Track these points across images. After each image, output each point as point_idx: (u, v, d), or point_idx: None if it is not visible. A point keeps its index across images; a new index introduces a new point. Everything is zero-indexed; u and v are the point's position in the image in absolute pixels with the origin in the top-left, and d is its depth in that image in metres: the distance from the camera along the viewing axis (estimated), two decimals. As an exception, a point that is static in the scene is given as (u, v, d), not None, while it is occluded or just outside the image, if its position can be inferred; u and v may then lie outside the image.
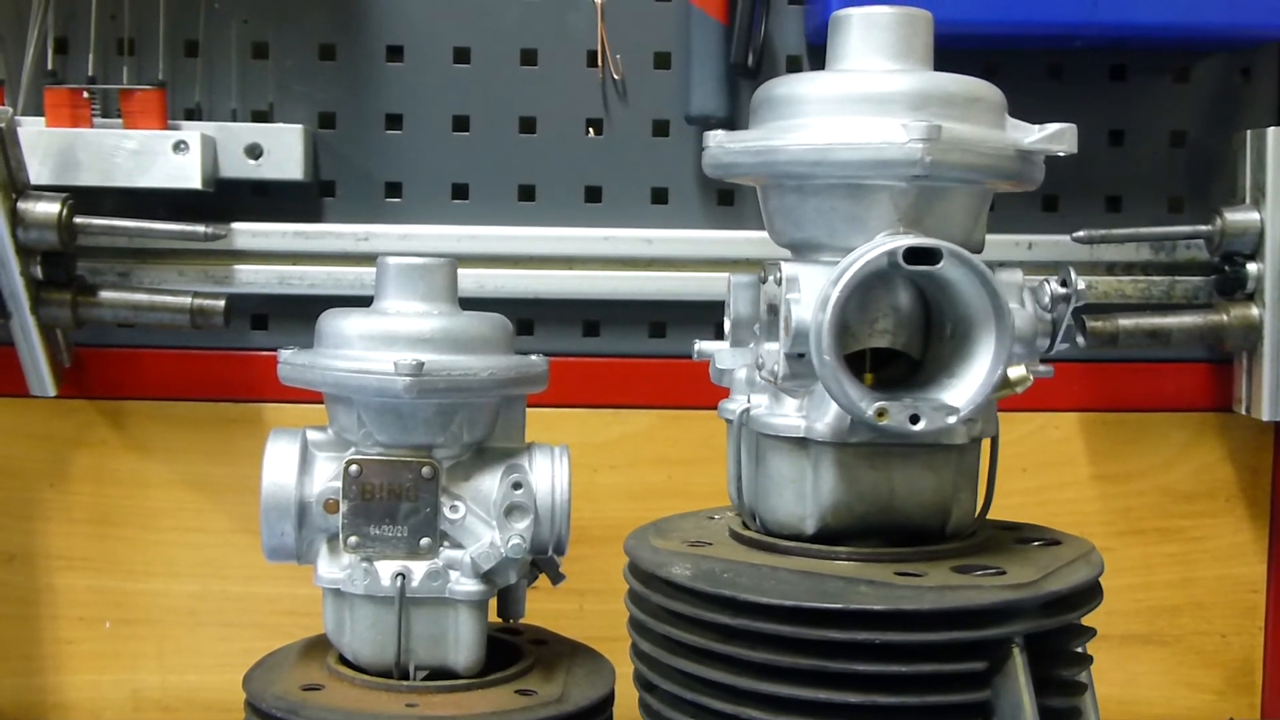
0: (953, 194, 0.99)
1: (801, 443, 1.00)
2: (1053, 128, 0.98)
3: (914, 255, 0.93)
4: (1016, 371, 0.97)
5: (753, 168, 1.02)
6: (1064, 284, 0.98)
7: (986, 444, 1.05)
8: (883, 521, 1.00)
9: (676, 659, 0.98)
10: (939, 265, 0.93)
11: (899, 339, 0.99)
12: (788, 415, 1.01)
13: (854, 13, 1.02)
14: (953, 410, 0.93)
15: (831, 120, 0.98)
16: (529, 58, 1.44)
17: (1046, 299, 0.99)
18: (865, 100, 0.98)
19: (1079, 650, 0.98)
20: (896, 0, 1.03)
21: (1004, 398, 0.99)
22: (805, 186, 1.00)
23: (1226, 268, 1.40)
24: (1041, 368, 1.01)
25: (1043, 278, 1.00)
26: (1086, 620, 0.98)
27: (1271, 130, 1.36)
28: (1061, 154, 0.99)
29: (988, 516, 1.10)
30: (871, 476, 0.99)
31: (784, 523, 1.02)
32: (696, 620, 0.96)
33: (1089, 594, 0.97)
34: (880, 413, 0.93)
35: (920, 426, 0.93)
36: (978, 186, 1.00)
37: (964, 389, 0.94)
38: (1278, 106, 1.47)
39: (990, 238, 1.39)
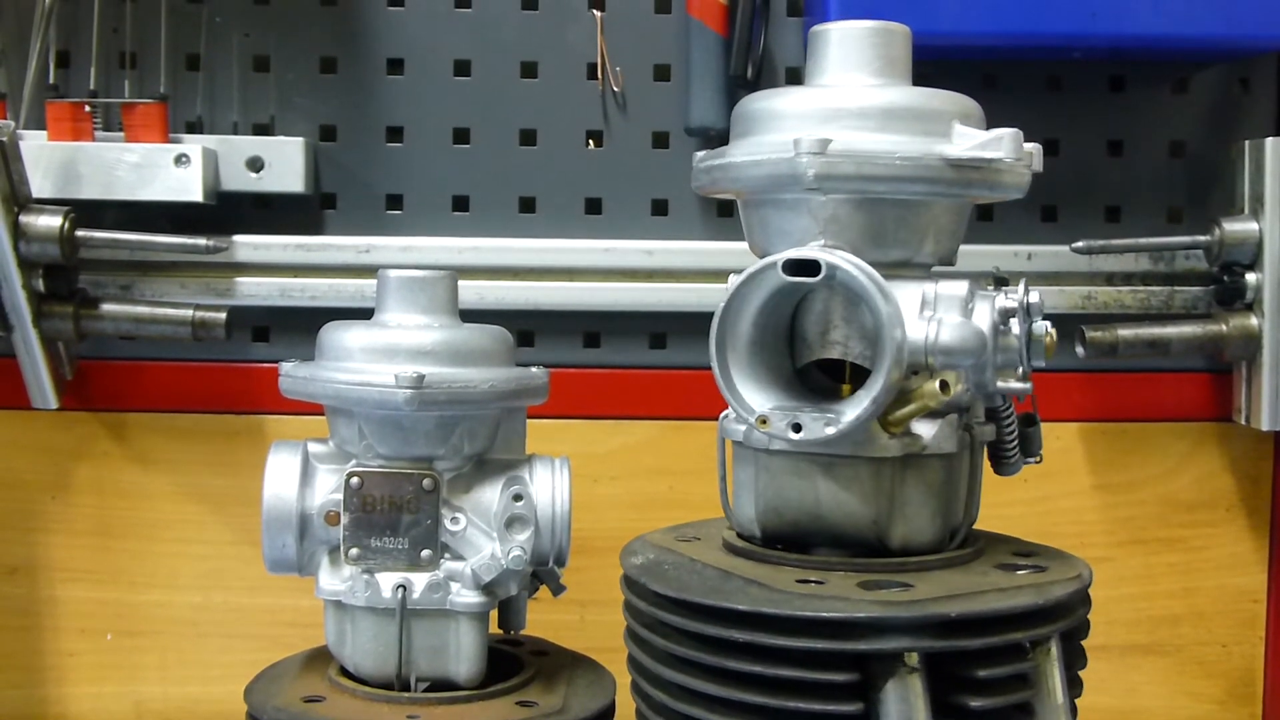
0: (880, 206, 0.99)
1: (749, 449, 1.03)
2: (990, 134, 0.97)
3: (795, 267, 0.95)
4: (929, 385, 0.95)
5: (708, 184, 1.06)
6: (1008, 295, 0.98)
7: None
8: (816, 530, 1.01)
9: (629, 642, 1.04)
10: (818, 277, 0.94)
11: (851, 350, 1.00)
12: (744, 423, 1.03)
13: (830, 28, 1.03)
14: (834, 421, 0.94)
15: (762, 138, 1.01)
16: (529, 70, 1.45)
17: (995, 313, 0.98)
18: (785, 117, 1.00)
19: (989, 677, 0.92)
20: (878, 15, 1.04)
21: (920, 412, 0.96)
22: (749, 201, 1.04)
23: (1225, 278, 1.40)
24: (1011, 384, 0.99)
25: (998, 291, 0.99)
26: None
27: (1270, 140, 1.36)
28: (1008, 161, 0.97)
29: (1022, 536, 1.12)
30: (798, 485, 1.01)
31: (742, 525, 1.06)
32: (632, 606, 1.02)
33: (1007, 622, 0.92)
34: (761, 420, 0.96)
35: (800, 435, 0.95)
36: (925, 198, 0.99)
37: (859, 400, 0.94)
38: (1276, 117, 1.48)
39: (989, 248, 1.41)
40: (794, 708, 0.91)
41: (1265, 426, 1.40)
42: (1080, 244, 1.38)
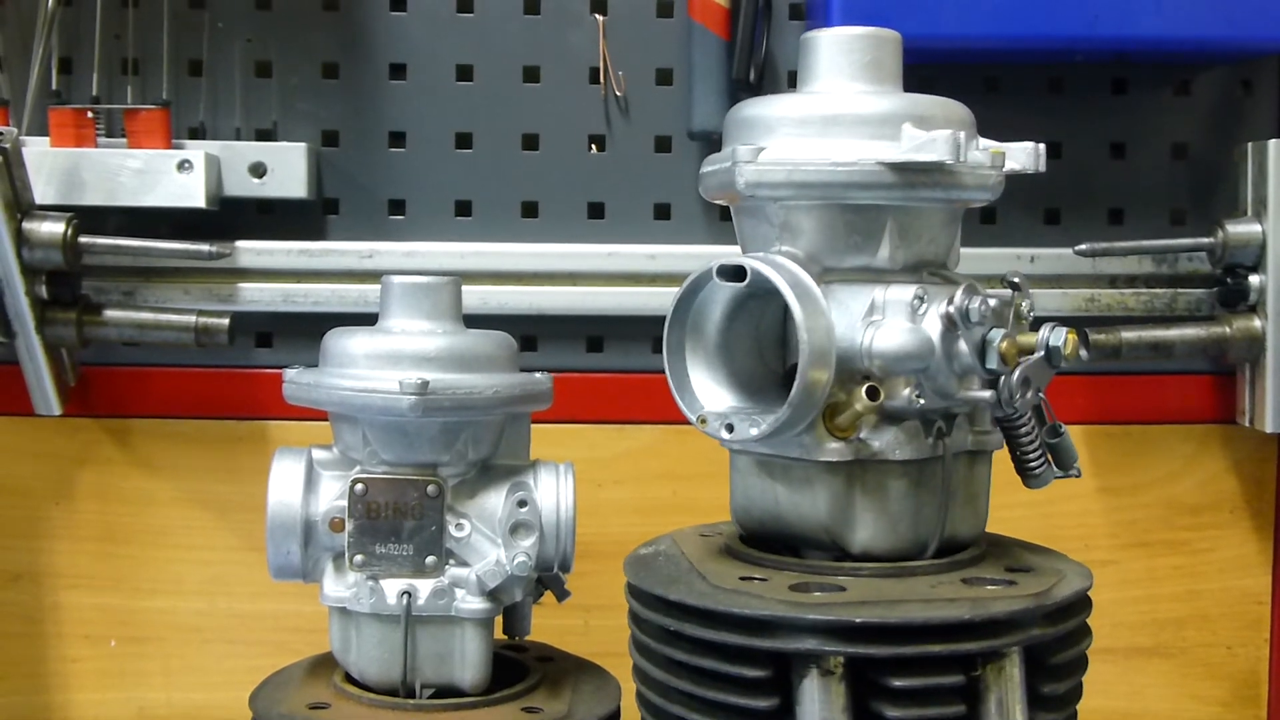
0: (829, 211, 0.99)
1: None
2: (927, 136, 0.95)
3: (728, 272, 0.97)
4: (859, 391, 0.95)
5: (703, 191, 1.08)
6: (949, 301, 0.96)
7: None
8: (778, 530, 1.03)
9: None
10: (745, 282, 0.96)
11: None
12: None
13: (820, 34, 1.03)
14: (757, 423, 0.96)
15: (731, 146, 1.03)
16: (531, 75, 1.45)
17: (942, 319, 0.96)
18: (746, 125, 1.02)
19: (904, 687, 0.91)
20: (881, 18, 1.05)
21: (855, 418, 0.96)
22: (735, 208, 1.06)
23: (1229, 280, 1.40)
24: (970, 393, 0.97)
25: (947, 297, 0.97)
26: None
27: (1273, 142, 1.36)
28: (949, 162, 0.95)
29: (1025, 539, 1.12)
30: (760, 485, 1.03)
31: (733, 522, 1.08)
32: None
33: (921, 633, 0.91)
34: (701, 419, 0.99)
35: (730, 436, 0.97)
36: (872, 202, 0.98)
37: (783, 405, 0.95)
38: (1278, 118, 1.47)
39: (992, 251, 1.41)
40: (716, 698, 0.95)
41: (1269, 428, 1.40)
42: (1083, 246, 1.38)
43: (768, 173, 0.98)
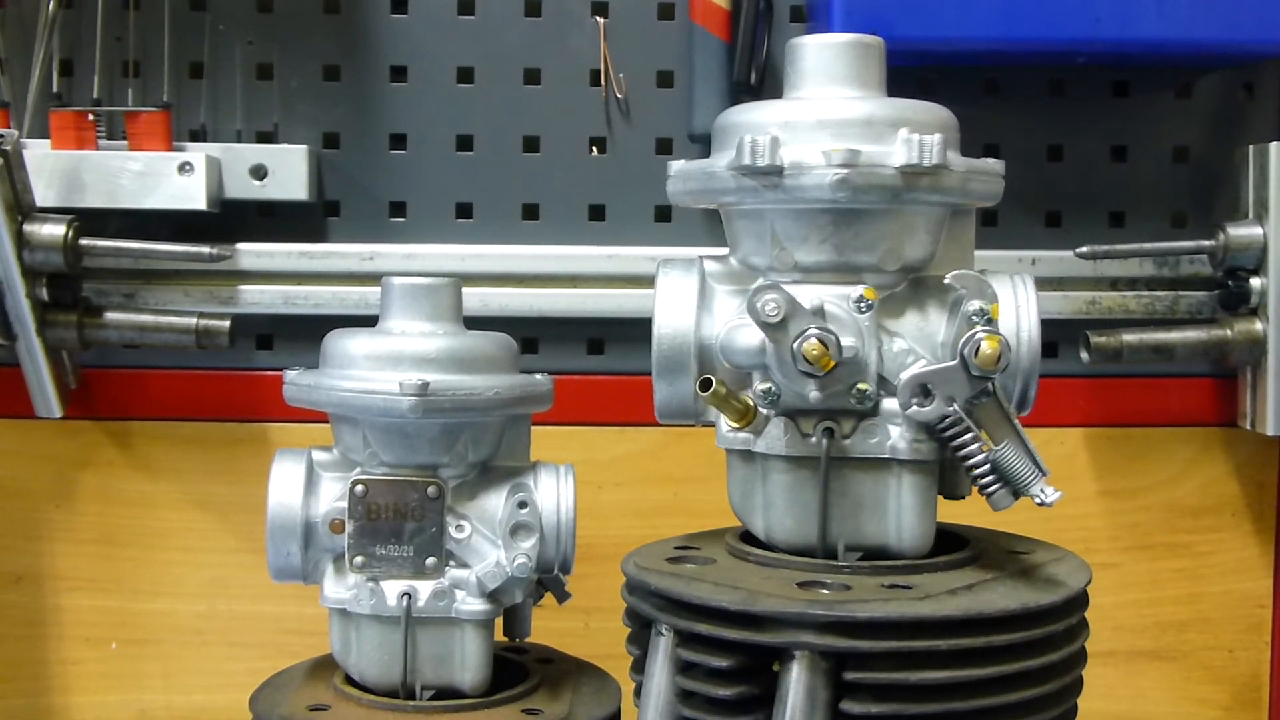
0: (738, 217, 1.03)
1: None
2: (751, 140, 0.96)
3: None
4: (716, 386, 0.97)
5: None
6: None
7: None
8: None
9: None
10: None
11: None
12: None
13: (804, 41, 1.04)
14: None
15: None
16: (532, 77, 1.45)
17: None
18: (725, 131, 1.03)
19: (685, 659, 0.95)
20: (880, 22, 1.08)
21: (732, 412, 0.99)
22: None
23: (1230, 283, 1.40)
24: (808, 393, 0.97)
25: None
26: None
27: (1274, 145, 1.36)
28: (758, 165, 0.95)
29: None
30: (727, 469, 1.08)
31: None
32: None
33: (688, 609, 0.94)
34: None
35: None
36: (745, 207, 1.01)
37: None
38: (1280, 121, 1.48)
39: (994, 253, 1.41)
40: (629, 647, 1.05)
41: (1270, 431, 1.39)
42: (1084, 249, 1.38)
43: (675, 181, 1.05)
